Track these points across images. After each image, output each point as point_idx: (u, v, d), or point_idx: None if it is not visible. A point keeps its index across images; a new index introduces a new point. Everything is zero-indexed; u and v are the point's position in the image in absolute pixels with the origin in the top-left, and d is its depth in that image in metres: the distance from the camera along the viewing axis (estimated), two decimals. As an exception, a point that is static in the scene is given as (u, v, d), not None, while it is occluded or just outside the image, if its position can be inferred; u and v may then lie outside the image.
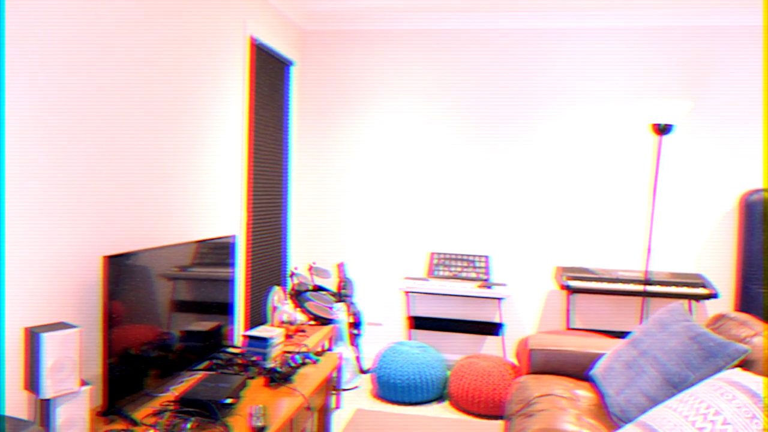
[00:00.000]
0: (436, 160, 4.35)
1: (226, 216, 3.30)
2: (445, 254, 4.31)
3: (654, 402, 2.09)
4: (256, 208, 3.78)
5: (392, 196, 4.43)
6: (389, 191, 4.43)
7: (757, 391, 1.65)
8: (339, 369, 3.84)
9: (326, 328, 3.60)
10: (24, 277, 1.86)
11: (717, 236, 4.06)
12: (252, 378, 2.49)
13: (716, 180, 4.03)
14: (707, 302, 4.10)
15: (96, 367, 2.23)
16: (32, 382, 1.76)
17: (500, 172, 4.28)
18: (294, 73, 4.35)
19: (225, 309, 2.79)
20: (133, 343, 2.09)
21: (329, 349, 3.81)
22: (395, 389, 3.65)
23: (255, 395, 2.30)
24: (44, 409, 1.78)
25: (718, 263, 4.07)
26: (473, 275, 4.22)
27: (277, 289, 3.47)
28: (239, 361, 2.56)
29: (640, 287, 3.79)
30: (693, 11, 3.91)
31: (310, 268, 3.89)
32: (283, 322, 3.49)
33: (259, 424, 1.96)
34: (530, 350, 2.78)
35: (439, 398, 3.81)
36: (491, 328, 4.27)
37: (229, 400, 2.07)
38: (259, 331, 2.69)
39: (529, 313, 4.30)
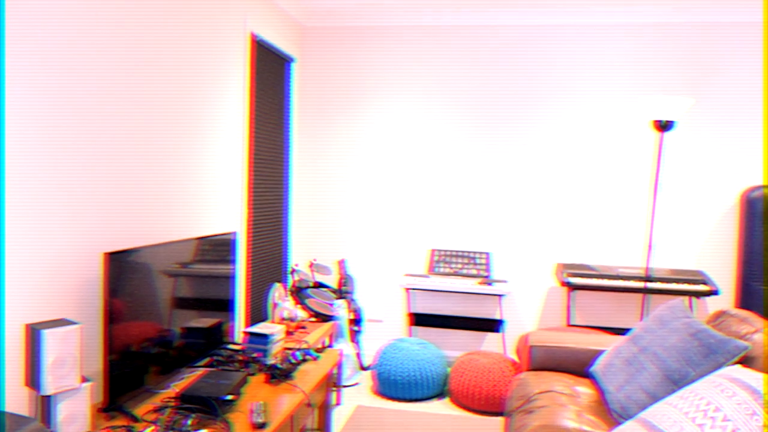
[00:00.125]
0: (437, 157, 4.35)
1: (226, 213, 3.30)
2: (445, 251, 4.31)
3: (654, 398, 2.09)
4: (256, 204, 3.78)
5: (393, 192, 4.42)
6: (390, 188, 4.43)
7: (757, 388, 1.65)
8: (339, 366, 3.84)
9: (327, 325, 3.60)
10: (25, 273, 1.86)
11: (718, 233, 4.05)
12: (252, 374, 2.49)
13: (717, 177, 4.02)
14: (708, 299, 4.10)
15: (97, 364, 2.24)
16: (33, 378, 1.76)
17: (501, 169, 4.27)
18: (294, 69, 4.35)
19: (226, 306, 2.79)
20: (134, 339, 2.09)
21: (330, 346, 3.82)
22: (396, 386, 3.65)
23: (255, 392, 2.31)
24: (45, 405, 1.78)
25: (719, 260, 4.06)
26: (474, 272, 4.22)
27: (277, 285, 3.47)
28: (240, 358, 2.56)
29: (640, 284, 3.79)
30: (694, 8, 3.90)
31: (311, 265, 3.89)
32: (283, 319, 3.49)
33: (260, 420, 1.96)
34: (530, 347, 2.78)
35: (440, 395, 3.82)
36: (492, 325, 4.27)
37: (229, 397, 2.07)
38: (259, 328, 2.70)
39: (529, 310, 4.31)
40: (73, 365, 1.81)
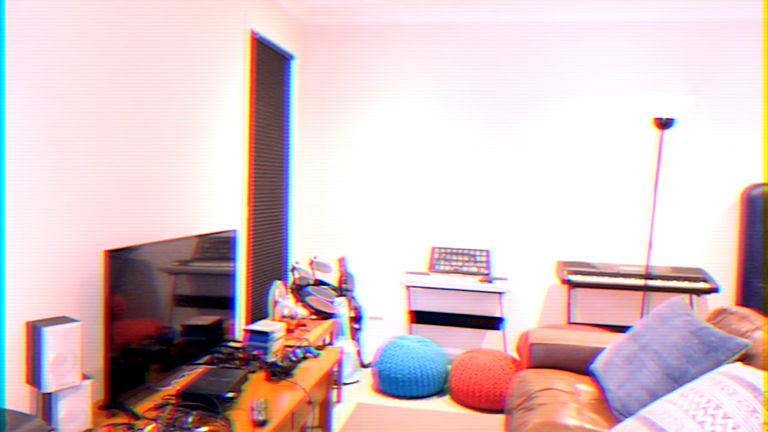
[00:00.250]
0: (437, 154, 4.35)
1: (226, 210, 3.30)
2: (446, 248, 4.31)
3: (654, 396, 2.09)
4: (256, 202, 3.78)
5: (393, 190, 4.42)
6: (390, 185, 4.42)
7: (757, 385, 1.65)
8: (340, 363, 3.85)
9: (327, 323, 3.60)
10: (26, 271, 1.86)
11: (718, 231, 4.05)
12: (253, 372, 2.50)
13: (718, 174, 4.02)
14: (708, 297, 4.10)
15: (97, 361, 2.24)
16: (34, 376, 1.77)
17: (501, 167, 4.27)
18: (294, 67, 4.34)
19: (226, 303, 2.79)
20: (135, 337, 2.09)
21: (330, 344, 3.82)
22: (396, 383, 3.65)
23: (256, 389, 2.31)
24: (46, 402, 1.78)
25: (720, 258, 4.06)
26: (474, 269, 4.22)
27: (278, 283, 3.47)
28: (240, 356, 2.56)
29: (641, 281, 3.79)
30: (694, 5, 3.89)
31: (311, 263, 3.89)
32: (284, 317, 3.49)
33: (261, 417, 1.97)
34: (531, 344, 2.78)
35: (440, 392, 3.82)
36: (492, 323, 4.27)
37: (230, 394, 2.08)
38: (260, 326, 2.70)
39: (529, 308, 4.31)
40: (74, 363, 1.81)
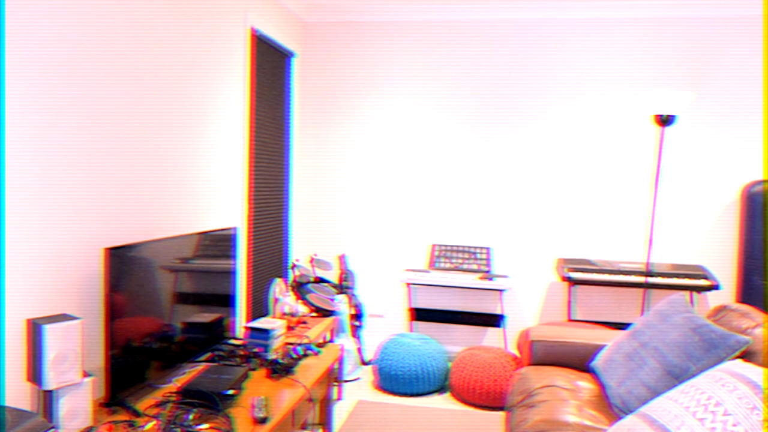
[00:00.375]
0: (438, 152, 4.35)
1: (227, 208, 3.30)
2: (446, 246, 4.31)
3: (655, 393, 2.09)
4: (257, 199, 3.78)
5: (394, 187, 4.42)
6: (391, 183, 4.42)
7: (758, 382, 1.65)
8: (340, 360, 3.85)
9: (328, 320, 3.60)
10: (26, 269, 1.86)
11: (719, 228, 4.05)
12: (254, 369, 2.50)
13: (718, 171, 4.02)
14: (709, 294, 4.10)
15: (98, 359, 2.24)
16: (35, 373, 1.77)
17: (501, 164, 4.27)
18: (295, 64, 4.34)
19: (227, 301, 2.80)
20: (135, 334, 2.09)
21: (331, 341, 3.82)
22: (397, 381, 3.66)
23: (257, 386, 2.31)
24: (47, 400, 1.79)
25: (720, 255, 4.06)
26: (474, 267, 4.22)
27: (278, 280, 3.47)
28: (241, 353, 2.56)
29: (641, 279, 3.79)
30: (695, 1, 3.89)
31: (312, 260, 3.89)
32: (284, 314, 3.49)
33: (261, 415, 1.97)
34: (531, 342, 2.78)
35: (441, 390, 3.82)
36: (492, 320, 4.27)
37: (231, 392, 2.08)
38: (260, 323, 2.70)
39: (530, 305, 4.31)
40: (75, 360, 1.81)
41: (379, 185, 4.44)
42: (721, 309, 2.42)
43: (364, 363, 4.28)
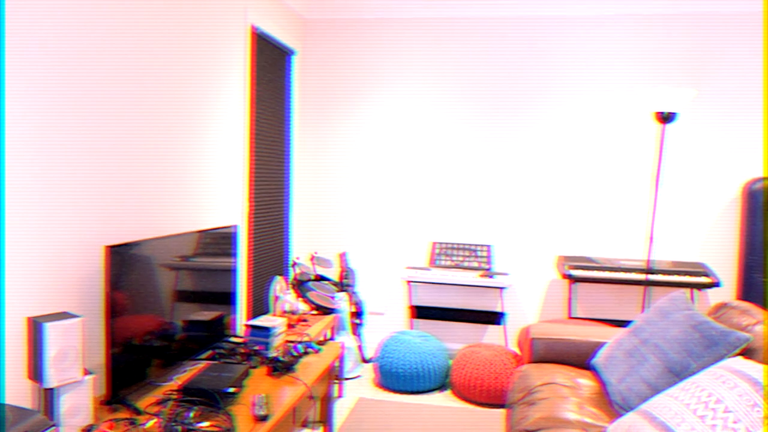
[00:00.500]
0: (438, 149, 4.34)
1: (227, 206, 3.30)
2: (446, 243, 4.31)
3: (655, 390, 2.09)
4: (257, 197, 3.78)
5: (394, 185, 4.42)
6: (391, 180, 4.42)
7: (758, 379, 1.65)
8: (341, 358, 3.85)
9: (328, 318, 3.60)
10: (27, 267, 1.86)
11: (719, 225, 4.05)
12: (254, 367, 2.50)
13: (719, 168, 4.01)
14: (709, 291, 4.10)
15: (99, 357, 2.24)
16: (36, 371, 1.77)
17: (502, 161, 4.26)
18: (295, 62, 4.33)
19: (227, 299, 2.80)
20: (136, 332, 2.09)
21: (331, 339, 3.82)
22: (397, 378, 3.66)
23: (258, 384, 2.31)
24: (48, 398, 1.79)
25: (721, 252, 4.06)
26: (475, 264, 4.22)
27: (279, 278, 3.48)
28: (242, 351, 2.57)
29: (642, 276, 3.79)
30: (697, -2, 3.88)
31: (312, 258, 3.89)
32: (285, 312, 3.49)
33: (262, 412, 1.97)
34: (532, 339, 2.78)
35: (441, 387, 3.83)
36: (493, 318, 4.27)
37: (232, 389, 2.08)
38: (261, 321, 2.70)
39: (530, 303, 4.31)
40: (76, 358, 1.81)
41: (380, 183, 4.44)
42: (722, 306, 2.42)
43: (365, 361, 4.28)
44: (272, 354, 2.59)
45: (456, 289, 4.39)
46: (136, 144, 2.40)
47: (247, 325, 2.67)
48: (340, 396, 3.62)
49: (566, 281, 4.25)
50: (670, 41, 4.00)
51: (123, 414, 1.98)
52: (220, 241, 2.71)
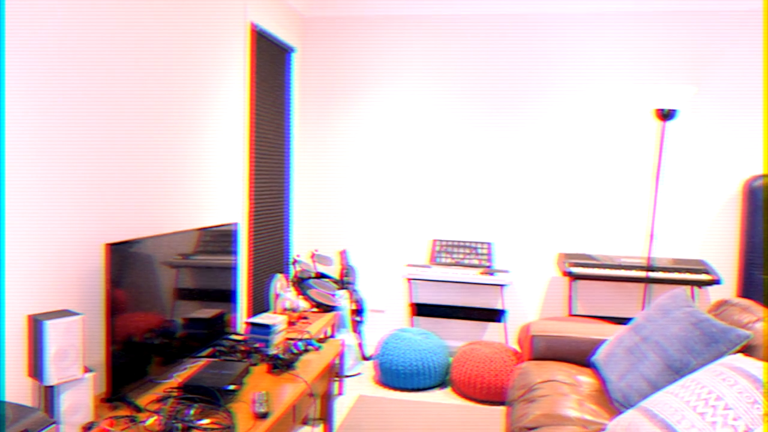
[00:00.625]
0: (438, 147, 4.34)
1: (228, 203, 3.30)
2: (447, 241, 4.31)
3: (656, 387, 2.09)
4: (258, 195, 3.78)
5: (394, 182, 4.42)
6: (391, 178, 4.42)
7: (758, 377, 1.65)
8: (341, 356, 3.85)
9: (329, 315, 3.61)
10: (27, 265, 1.86)
11: (720, 222, 4.04)
12: (255, 365, 2.50)
13: (719, 166, 4.01)
14: (710, 288, 4.10)
15: (99, 354, 2.25)
16: (36, 369, 1.77)
17: (502, 159, 4.26)
18: (295, 59, 4.33)
19: (227, 296, 2.80)
20: (137, 330, 2.09)
21: (332, 336, 3.83)
22: (398, 376, 3.66)
23: (258, 382, 2.31)
24: (48, 395, 1.79)
25: (721, 249, 4.06)
26: (475, 262, 4.22)
27: (279, 276, 3.48)
28: (242, 348, 2.57)
29: (642, 273, 3.79)
30: (697, -5, 3.87)
31: (313, 256, 3.89)
32: (285, 309, 3.50)
33: (262, 410, 1.97)
34: (532, 336, 2.78)
35: (442, 384, 3.83)
36: (493, 315, 4.27)
37: (232, 387, 2.08)
38: (261, 318, 2.70)
39: (531, 300, 4.31)
40: (76, 356, 1.81)
41: (380, 180, 4.43)
42: (722, 303, 2.42)
43: (365, 358, 4.28)
44: (272, 351, 2.59)
45: (456, 287, 4.39)
46: (136, 142, 2.40)
47: (247, 323, 2.67)
48: (340, 393, 3.63)
49: (567, 278, 4.25)
50: (670, 38, 3.99)
51: (123, 411, 1.98)
52: (221, 238, 2.71)
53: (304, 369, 2.49)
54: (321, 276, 3.83)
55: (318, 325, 3.37)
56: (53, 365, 1.75)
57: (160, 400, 2.04)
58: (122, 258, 2.00)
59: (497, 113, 4.24)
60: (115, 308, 1.97)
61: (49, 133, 1.93)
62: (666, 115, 3.55)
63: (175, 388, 2.10)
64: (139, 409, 1.98)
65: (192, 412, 1.92)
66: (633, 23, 4.02)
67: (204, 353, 2.61)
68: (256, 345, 2.61)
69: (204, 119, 2.98)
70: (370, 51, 4.36)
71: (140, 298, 2.11)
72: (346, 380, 3.86)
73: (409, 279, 4.13)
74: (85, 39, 2.08)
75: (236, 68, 3.33)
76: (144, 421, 1.87)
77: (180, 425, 1.82)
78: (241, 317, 3.55)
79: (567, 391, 2.32)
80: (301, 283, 3.72)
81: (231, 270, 2.82)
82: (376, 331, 4.53)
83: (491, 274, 4.00)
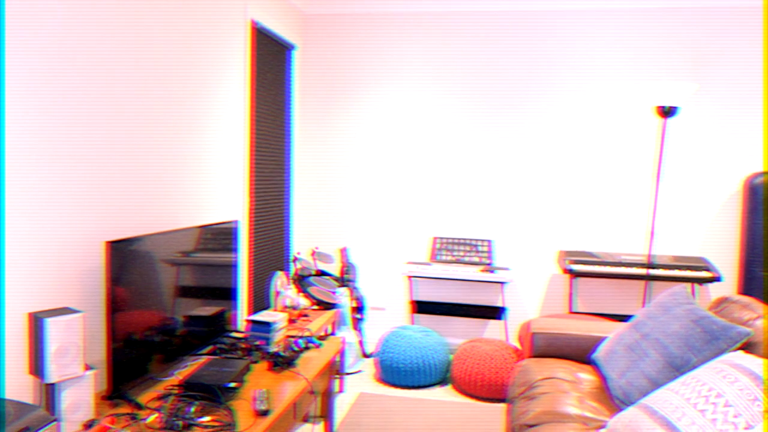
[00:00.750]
0: (439, 144, 4.34)
1: (228, 201, 3.30)
2: (447, 238, 4.31)
3: (656, 385, 2.09)
4: (258, 193, 3.78)
5: (395, 180, 4.42)
6: (392, 175, 4.42)
7: (759, 374, 1.65)
8: (342, 353, 3.86)
9: (329, 313, 3.61)
10: (27, 262, 1.86)
11: (721, 219, 4.04)
12: (255, 362, 2.50)
13: (720, 163, 4.01)
14: (710, 285, 4.10)
15: (100, 352, 2.25)
16: (37, 366, 1.77)
17: (503, 156, 4.26)
18: (295, 57, 4.32)
19: (228, 294, 2.80)
20: (137, 328, 2.10)
21: (332, 334, 3.83)
22: (398, 373, 3.66)
23: (258, 379, 2.32)
24: (49, 393, 1.79)
25: (722, 246, 4.06)
26: (476, 259, 4.22)
27: (280, 274, 3.48)
28: (243, 346, 2.57)
29: (643, 271, 3.79)
30: (698, -8, 3.87)
31: (313, 253, 3.89)
32: (286, 307, 3.50)
33: (263, 407, 1.97)
34: (533, 334, 2.79)
35: (442, 382, 3.83)
36: (494, 312, 4.27)
37: (232, 384, 2.08)
38: (262, 316, 2.70)
39: (531, 297, 4.31)
40: (77, 353, 1.81)
41: (381, 178, 4.43)
42: (723, 301, 2.42)
43: (366, 355, 4.29)
44: (273, 349, 2.60)
45: (457, 284, 4.39)
46: (136, 139, 2.40)
47: (248, 320, 2.67)
48: (341, 391, 3.63)
49: (567, 276, 4.25)
50: (671, 35, 3.98)
51: (124, 409, 1.98)
52: (221, 236, 2.71)
53: (305, 366, 2.49)
54: (321, 273, 3.84)
55: (318, 322, 3.37)
56: (54, 363, 1.75)
57: (160, 397, 2.05)
58: (123, 256, 2.00)
59: (498, 110, 4.24)
60: (115, 306, 1.97)
61: (49, 132, 1.93)
62: (667, 112, 3.55)
63: (176, 386, 2.10)
64: (139, 407, 1.98)
65: (193, 409, 1.92)
66: (633, 20, 4.01)
67: (204, 351, 2.61)
68: (257, 342, 2.61)
69: (204, 117, 2.98)
70: (371, 48, 4.36)
71: (141, 296, 2.11)
72: (347, 378, 3.86)
73: (410, 276, 4.13)
74: (85, 39, 2.08)
75: (236, 66, 3.32)
76: (145, 419, 1.88)
77: (181, 423, 1.83)
78: (242, 315, 3.55)
79: (567, 389, 2.32)
80: (301, 281, 3.72)
81: (231, 268, 2.82)
82: (376, 329, 4.53)
83: (491, 271, 4.00)
